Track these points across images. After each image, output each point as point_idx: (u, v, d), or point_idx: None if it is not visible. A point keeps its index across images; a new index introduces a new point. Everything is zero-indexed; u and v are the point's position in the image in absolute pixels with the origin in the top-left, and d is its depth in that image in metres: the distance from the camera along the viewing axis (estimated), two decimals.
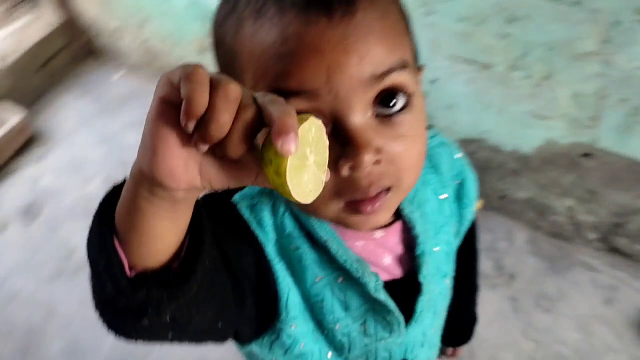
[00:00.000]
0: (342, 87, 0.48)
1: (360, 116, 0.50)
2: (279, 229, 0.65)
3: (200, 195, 0.46)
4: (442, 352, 1.11)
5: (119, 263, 0.45)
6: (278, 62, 0.48)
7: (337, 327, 0.69)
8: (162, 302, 0.46)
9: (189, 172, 0.40)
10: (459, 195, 0.77)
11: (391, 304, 0.68)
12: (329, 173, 0.43)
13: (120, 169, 2.44)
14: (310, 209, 0.58)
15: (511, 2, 1.63)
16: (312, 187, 0.41)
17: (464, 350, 1.15)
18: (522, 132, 1.87)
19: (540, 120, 1.81)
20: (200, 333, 0.55)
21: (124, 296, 0.45)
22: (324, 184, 0.43)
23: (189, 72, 0.37)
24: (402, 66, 0.51)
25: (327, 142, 0.42)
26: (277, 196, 0.65)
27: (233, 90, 0.38)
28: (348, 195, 0.54)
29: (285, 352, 0.69)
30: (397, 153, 0.53)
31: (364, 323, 0.70)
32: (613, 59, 1.60)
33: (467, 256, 0.90)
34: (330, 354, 0.73)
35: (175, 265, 0.48)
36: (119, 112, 2.86)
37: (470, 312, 1.07)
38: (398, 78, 0.51)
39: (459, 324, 1.03)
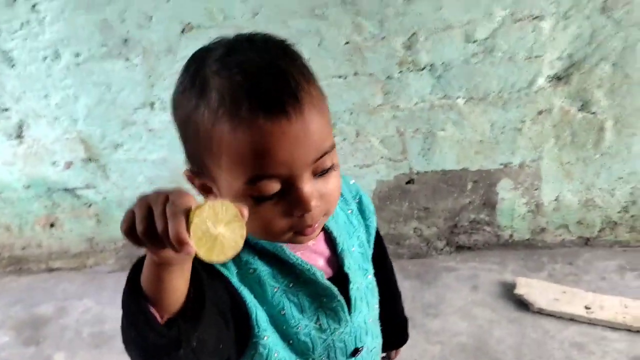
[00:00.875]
0: (296, 168, 0.64)
1: (307, 182, 0.66)
2: (236, 261, 0.79)
3: None
4: (387, 357, 1.21)
5: (154, 317, 0.59)
6: (254, 156, 0.63)
7: (298, 329, 0.81)
8: (189, 332, 0.60)
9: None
10: (360, 210, 0.96)
11: (334, 289, 0.82)
12: (246, 210, 0.57)
13: None
14: (269, 238, 0.76)
15: None
16: (237, 238, 0.56)
17: None
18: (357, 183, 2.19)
19: (366, 168, 2.17)
20: (210, 355, 0.68)
21: (164, 337, 0.59)
22: (244, 227, 0.57)
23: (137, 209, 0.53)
24: (332, 147, 0.68)
25: (225, 205, 0.55)
26: None
27: (145, 221, 0.52)
28: (298, 228, 0.72)
29: None
30: (328, 195, 0.70)
31: (318, 320, 0.83)
32: (397, 104, 2.04)
33: (382, 263, 1.05)
34: None
35: (189, 305, 0.63)
36: None
37: (401, 315, 1.20)
38: (329, 157, 0.68)
39: (394, 327, 1.15)
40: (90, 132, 2.29)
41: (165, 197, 0.51)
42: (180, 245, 0.48)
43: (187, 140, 0.70)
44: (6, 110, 2.28)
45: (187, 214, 0.50)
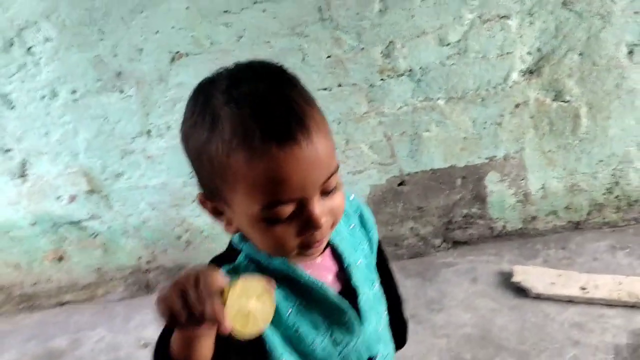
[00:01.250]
0: (308, 191, 0.68)
1: (317, 203, 0.70)
2: None
3: None
4: None
5: None
6: (270, 184, 0.66)
7: (314, 346, 0.84)
8: None
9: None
10: (362, 223, 0.99)
11: (345, 303, 0.86)
12: (273, 282, 0.67)
13: None
14: (280, 254, 0.80)
15: None
16: (268, 309, 0.60)
17: None
18: (351, 190, 2.28)
19: (359, 174, 2.27)
20: None
21: None
22: (273, 297, 0.65)
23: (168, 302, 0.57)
24: (337, 168, 0.71)
25: (254, 280, 0.60)
26: (239, 268, 0.84)
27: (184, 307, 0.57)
28: (307, 243, 0.73)
29: None
30: (334, 210, 0.74)
31: (332, 335, 0.86)
32: (381, 110, 2.14)
33: (384, 271, 1.07)
34: None
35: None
36: None
37: (401, 319, 1.21)
38: (334, 177, 0.71)
39: (396, 330, 1.16)
40: (91, 165, 2.38)
41: (196, 280, 0.56)
42: (217, 325, 0.55)
43: (200, 169, 0.73)
44: (8, 151, 2.37)
45: (221, 293, 0.55)
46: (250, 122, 0.64)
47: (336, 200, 0.74)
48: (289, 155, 0.64)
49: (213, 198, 0.74)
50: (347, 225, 0.95)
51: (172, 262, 2.63)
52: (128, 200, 2.46)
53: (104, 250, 2.62)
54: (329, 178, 0.70)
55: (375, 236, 1.01)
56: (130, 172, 2.40)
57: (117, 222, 2.53)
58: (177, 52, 2.12)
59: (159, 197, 2.45)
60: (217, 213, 0.76)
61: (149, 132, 2.29)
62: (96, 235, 2.58)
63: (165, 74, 2.16)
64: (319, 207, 0.70)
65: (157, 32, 2.10)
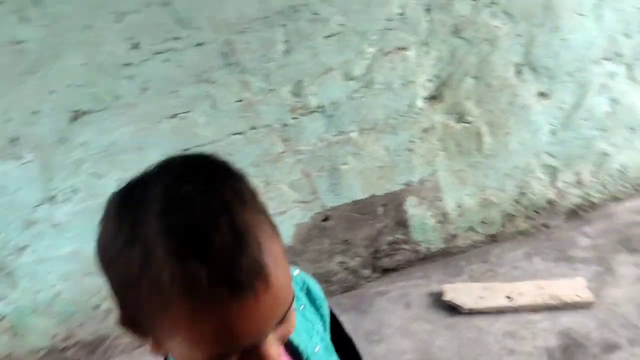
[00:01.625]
0: (263, 336, 0.58)
1: (272, 343, 0.60)
2: None
3: None
4: None
5: None
6: (218, 339, 0.55)
7: None
8: None
9: None
10: (311, 300, 0.92)
11: None
12: None
13: None
14: None
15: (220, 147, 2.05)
16: None
17: None
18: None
19: (282, 215, 2.22)
20: None
21: None
22: None
23: None
24: (293, 299, 0.61)
25: None
26: None
27: None
28: None
29: None
30: (287, 334, 0.64)
31: None
32: (297, 148, 2.13)
33: (343, 342, 1.01)
34: None
35: None
36: None
37: None
38: (290, 310, 0.61)
39: None
40: None
41: None
42: None
43: (124, 302, 0.60)
44: None
45: None
46: (193, 267, 0.52)
47: (290, 322, 0.64)
48: (243, 306, 0.54)
49: (141, 331, 0.61)
50: (297, 308, 0.84)
51: (91, 335, 2.41)
52: (36, 274, 2.24)
53: (13, 334, 2.35)
54: (286, 313, 0.60)
55: (327, 311, 0.92)
56: (36, 244, 2.18)
57: (24, 300, 2.28)
58: (78, 110, 2.00)
59: (71, 267, 2.24)
60: (141, 336, 0.63)
61: (52, 198, 2.11)
62: (2, 319, 2.31)
63: (67, 135, 2.01)
64: (275, 348, 0.60)
65: (53, 91, 1.96)
